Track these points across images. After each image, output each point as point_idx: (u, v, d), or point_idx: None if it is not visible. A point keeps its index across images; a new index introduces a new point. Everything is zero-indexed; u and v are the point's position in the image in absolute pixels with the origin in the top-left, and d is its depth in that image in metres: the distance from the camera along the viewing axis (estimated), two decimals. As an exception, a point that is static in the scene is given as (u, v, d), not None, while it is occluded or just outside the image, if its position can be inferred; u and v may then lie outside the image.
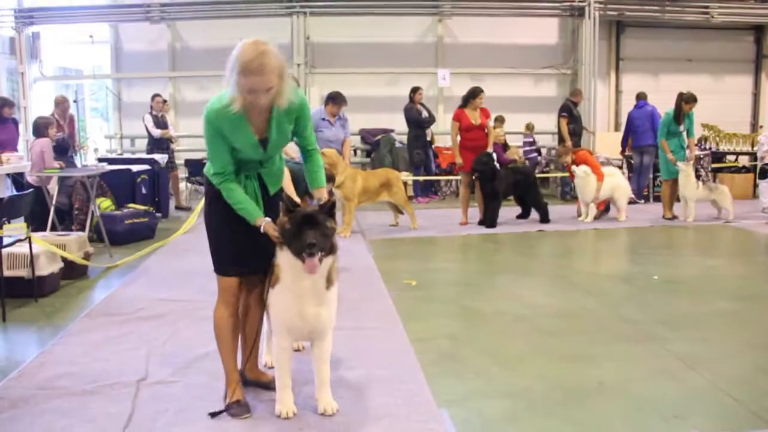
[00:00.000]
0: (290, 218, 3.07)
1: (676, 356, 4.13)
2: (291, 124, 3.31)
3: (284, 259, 3.12)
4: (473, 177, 9.10)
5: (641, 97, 11.75)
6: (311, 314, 3.17)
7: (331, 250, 3.11)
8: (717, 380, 3.72)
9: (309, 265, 3.00)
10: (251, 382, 3.65)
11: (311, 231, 2.99)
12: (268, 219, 3.22)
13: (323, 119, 8.54)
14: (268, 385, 3.58)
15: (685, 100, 9.56)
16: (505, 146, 12.76)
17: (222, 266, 3.39)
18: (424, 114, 11.88)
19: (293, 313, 3.17)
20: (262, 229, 3.20)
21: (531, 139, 13.16)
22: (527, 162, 12.64)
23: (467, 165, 9.06)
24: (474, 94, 9.08)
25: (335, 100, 8.53)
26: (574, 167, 9.51)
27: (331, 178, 7.32)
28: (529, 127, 13.20)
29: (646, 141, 11.23)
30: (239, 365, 3.58)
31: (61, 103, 9.90)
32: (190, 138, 13.02)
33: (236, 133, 3.17)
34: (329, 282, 3.19)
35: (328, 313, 3.23)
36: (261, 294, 3.46)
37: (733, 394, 3.53)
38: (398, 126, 13.00)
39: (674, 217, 9.71)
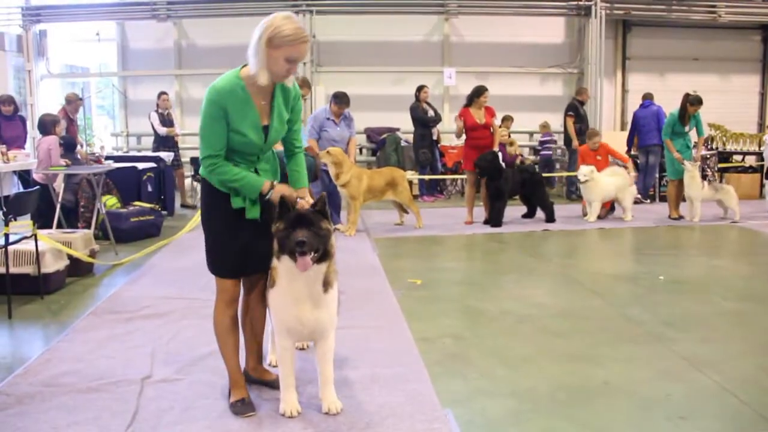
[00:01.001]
0: (284, 219, 3.05)
1: (681, 357, 4.12)
2: (288, 113, 3.32)
3: (279, 262, 3.12)
4: (477, 174, 9.09)
5: (647, 97, 11.71)
6: (309, 317, 3.16)
7: (326, 253, 3.09)
8: (723, 381, 3.71)
9: (300, 264, 2.98)
10: (255, 380, 3.66)
11: (302, 230, 2.97)
12: (274, 182, 3.23)
13: (328, 119, 8.55)
14: (273, 384, 3.58)
15: (690, 102, 9.52)
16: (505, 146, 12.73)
17: (221, 269, 3.36)
18: (430, 113, 11.85)
19: (291, 316, 3.17)
20: (274, 190, 3.18)
21: (546, 138, 13.08)
22: (524, 160, 12.60)
23: (471, 164, 9.04)
24: (478, 92, 9.05)
25: (339, 99, 8.53)
26: (582, 166, 9.49)
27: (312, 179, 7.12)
28: (545, 126, 13.14)
29: (652, 140, 11.20)
30: (242, 364, 3.58)
31: (74, 101, 9.89)
32: (196, 136, 13.01)
33: (243, 112, 3.14)
34: (327, 285, 3.17)
35: (326, 315, 3.21)
36: (262, 293, 3.46)
37: (740, 396, 3.52)
38: (404, 125, 12.98)
39: (680, 217, 9.68)
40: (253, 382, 3.64)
